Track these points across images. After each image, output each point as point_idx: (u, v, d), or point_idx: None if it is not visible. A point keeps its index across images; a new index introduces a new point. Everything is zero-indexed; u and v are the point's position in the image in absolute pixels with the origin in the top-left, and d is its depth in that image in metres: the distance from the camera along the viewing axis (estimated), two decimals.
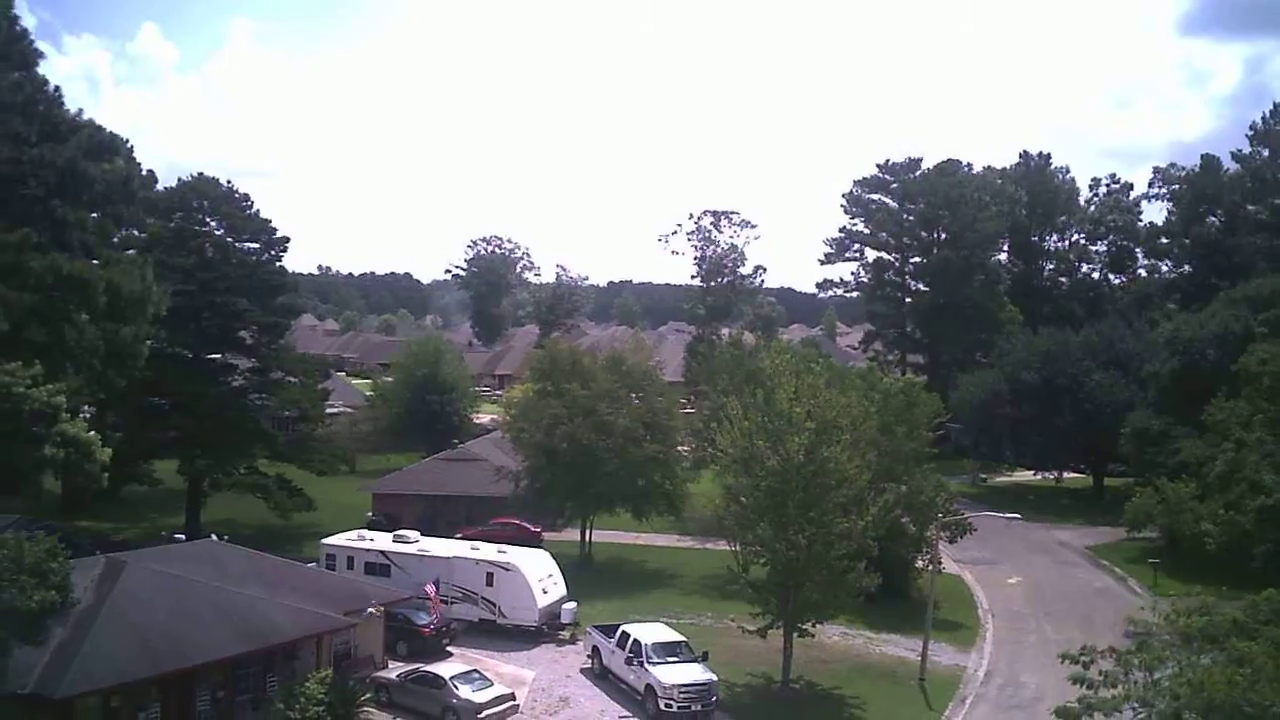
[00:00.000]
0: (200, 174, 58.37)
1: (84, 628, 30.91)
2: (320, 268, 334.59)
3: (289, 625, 34.78)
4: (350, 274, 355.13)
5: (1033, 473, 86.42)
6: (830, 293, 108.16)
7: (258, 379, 60.85)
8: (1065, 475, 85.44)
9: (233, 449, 56.08)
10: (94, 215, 39.03)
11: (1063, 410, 74.95)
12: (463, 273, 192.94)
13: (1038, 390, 76.34)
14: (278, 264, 59.85)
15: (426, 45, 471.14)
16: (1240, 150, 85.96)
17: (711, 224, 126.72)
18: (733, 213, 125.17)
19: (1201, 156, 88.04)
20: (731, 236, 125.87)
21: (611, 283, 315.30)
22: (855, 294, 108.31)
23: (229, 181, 58.75)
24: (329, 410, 76.59)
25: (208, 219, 58.53)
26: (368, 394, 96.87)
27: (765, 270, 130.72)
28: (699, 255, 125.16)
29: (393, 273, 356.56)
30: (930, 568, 45.34)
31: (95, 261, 37.81)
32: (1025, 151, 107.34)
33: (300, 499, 56.99)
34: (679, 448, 58.11)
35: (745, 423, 39.01)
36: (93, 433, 38.99)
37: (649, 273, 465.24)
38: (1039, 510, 73.55)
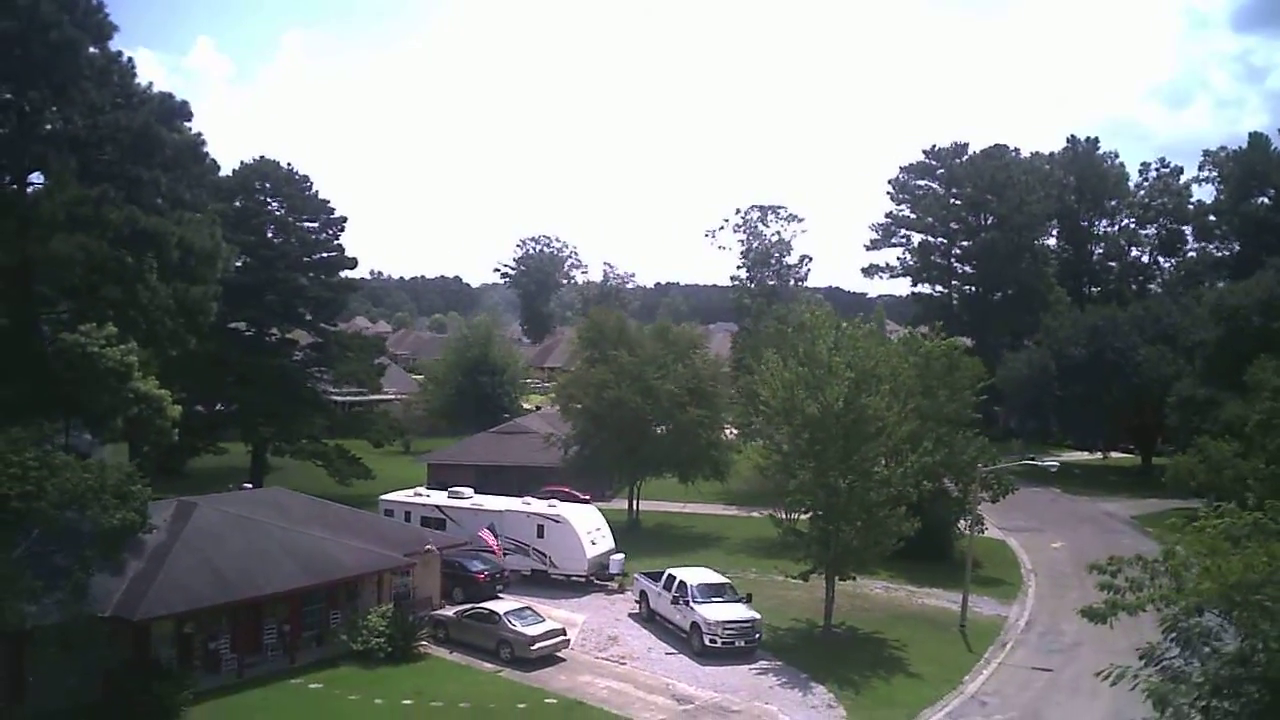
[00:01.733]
0: (262, 157, 60.73)
1: (159, 560, 32.90)
2: (372, 272, 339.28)
3: (351, 563, 36.59)
4: (401, 278, 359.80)
5: (1085, 452, 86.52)
6: (876, 277, 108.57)
7: (317, 354, 63.06)
8: (1114, 455, 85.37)
9: (294, 418, 58.21)
10: (165, 177, 41.11)
11: (1110, 386, 74.97)
12: (512, 271, 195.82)
13: (1085, 366, 76.38)
14: (336, 242, 61.97)
15: (474, 51, 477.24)
16: None
17: (758, 218, 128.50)
18: (779, 207, 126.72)
19: (1250, 134, 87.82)
20: (779, 230, 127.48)
21: (659, 284, 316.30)
22: (902, 278, 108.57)
23: (289, 164, 61.18)
24: (385, 396, 79.02)
25: (269, 200, 60.90)
26: (420, 381, 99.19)
27: (811, 260, 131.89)
28: (745, 248, 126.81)
29: (442, 276, 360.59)
30: (971, 530, 46.29)
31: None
32: (1073, 136, 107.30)
33: (359, 467, 59.03)
34: (723, 419, 59.22)
35: (786, 374, 40.16)
36: (163, 390, 41.12)
37: (696, 274, 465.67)
38: (1086, 485, 73.75)
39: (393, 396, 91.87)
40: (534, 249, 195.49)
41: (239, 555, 34.35)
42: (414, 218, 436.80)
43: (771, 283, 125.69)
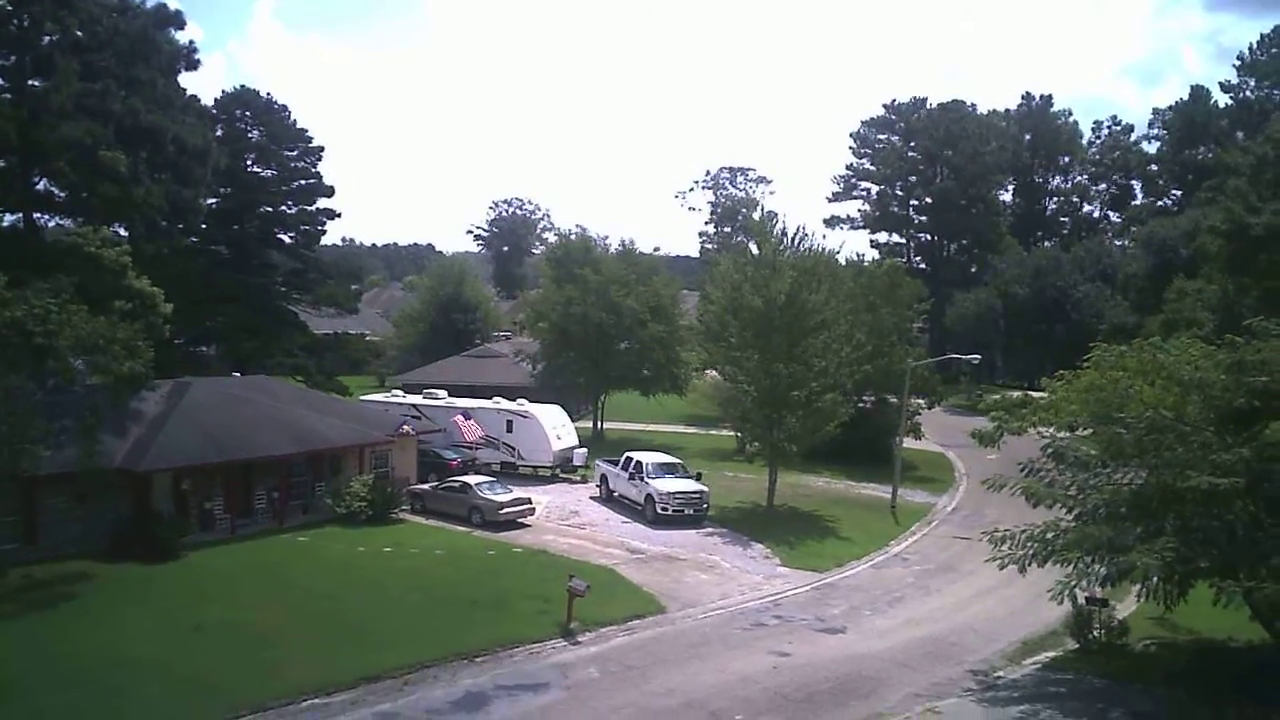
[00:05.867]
0: (243, 86, 63.37)
1: (158, 425, 36.23)
2: (344, 239, 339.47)
3: (335, 436, 39.99)
4: (374, 245, 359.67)
5: (1032, 392, 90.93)
6: (837, 228, 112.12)
7: (296, 279, 65.89)
8: None
9: (275, 336, 61.08)
10: (161, 80, 43.86)
11: (1052, 323, 79.13)
12: (484, 233, 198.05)
13: (1028, 304, 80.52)
14: (314, 170, 64.65)
15: (445, 19, 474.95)
16: (1229, 81, 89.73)
17: (727, 178, 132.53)
18: (748, 169, 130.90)
19: (1191, 87, 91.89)
20: (747, 190, 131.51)
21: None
22: (862, 229, 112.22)
23: (268, 93, 63.75)
24: (361, 334, 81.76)
25: (250, 128, 63.50)
26: (395, 323, 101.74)
27: (777, 215, 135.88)
28: (715, 206, 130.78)
29: (415, 243, 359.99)
30: (903, 422, 50.35)
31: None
32: (1027, 93, 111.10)
33: (336, 383, 61.92)
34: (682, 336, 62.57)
35: (735, 275, 43.95)
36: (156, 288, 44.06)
37: (667, 244, 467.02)
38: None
39: (368, 335, 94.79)
40: (507, 211, 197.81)
41: (231, 424, 37.61)
42: (386, 184, 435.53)
43: (739, 238, 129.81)
